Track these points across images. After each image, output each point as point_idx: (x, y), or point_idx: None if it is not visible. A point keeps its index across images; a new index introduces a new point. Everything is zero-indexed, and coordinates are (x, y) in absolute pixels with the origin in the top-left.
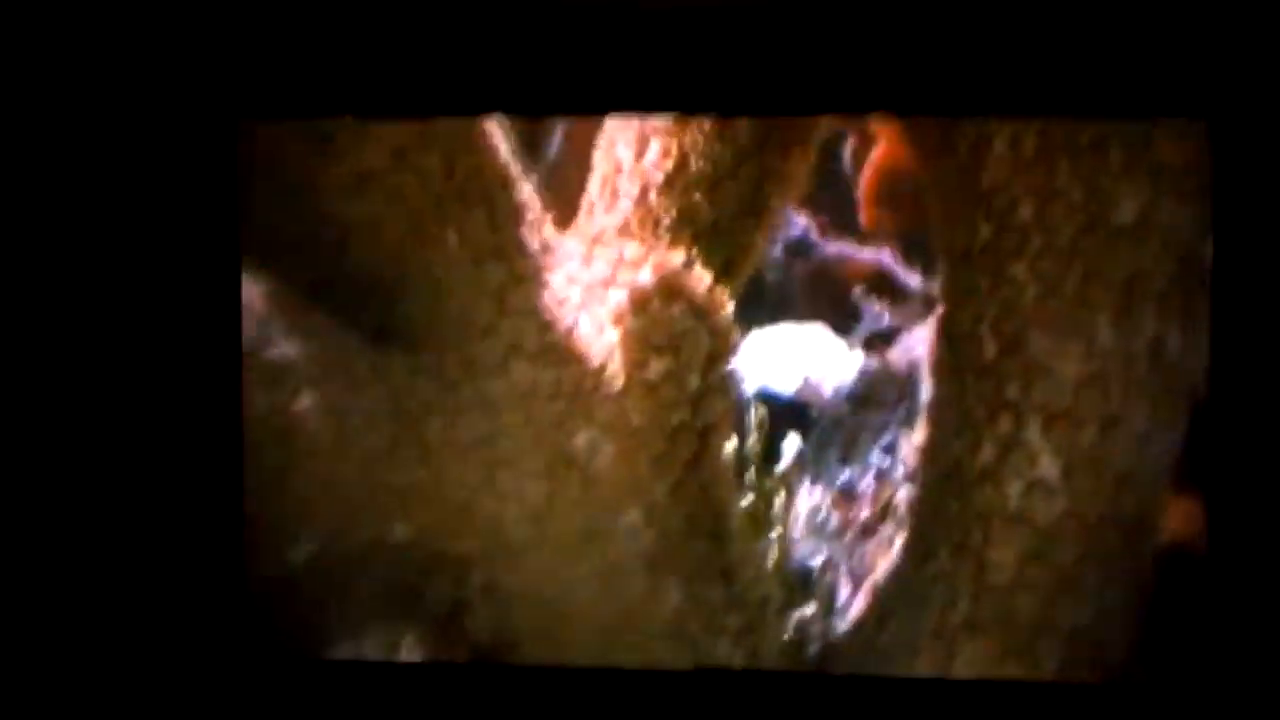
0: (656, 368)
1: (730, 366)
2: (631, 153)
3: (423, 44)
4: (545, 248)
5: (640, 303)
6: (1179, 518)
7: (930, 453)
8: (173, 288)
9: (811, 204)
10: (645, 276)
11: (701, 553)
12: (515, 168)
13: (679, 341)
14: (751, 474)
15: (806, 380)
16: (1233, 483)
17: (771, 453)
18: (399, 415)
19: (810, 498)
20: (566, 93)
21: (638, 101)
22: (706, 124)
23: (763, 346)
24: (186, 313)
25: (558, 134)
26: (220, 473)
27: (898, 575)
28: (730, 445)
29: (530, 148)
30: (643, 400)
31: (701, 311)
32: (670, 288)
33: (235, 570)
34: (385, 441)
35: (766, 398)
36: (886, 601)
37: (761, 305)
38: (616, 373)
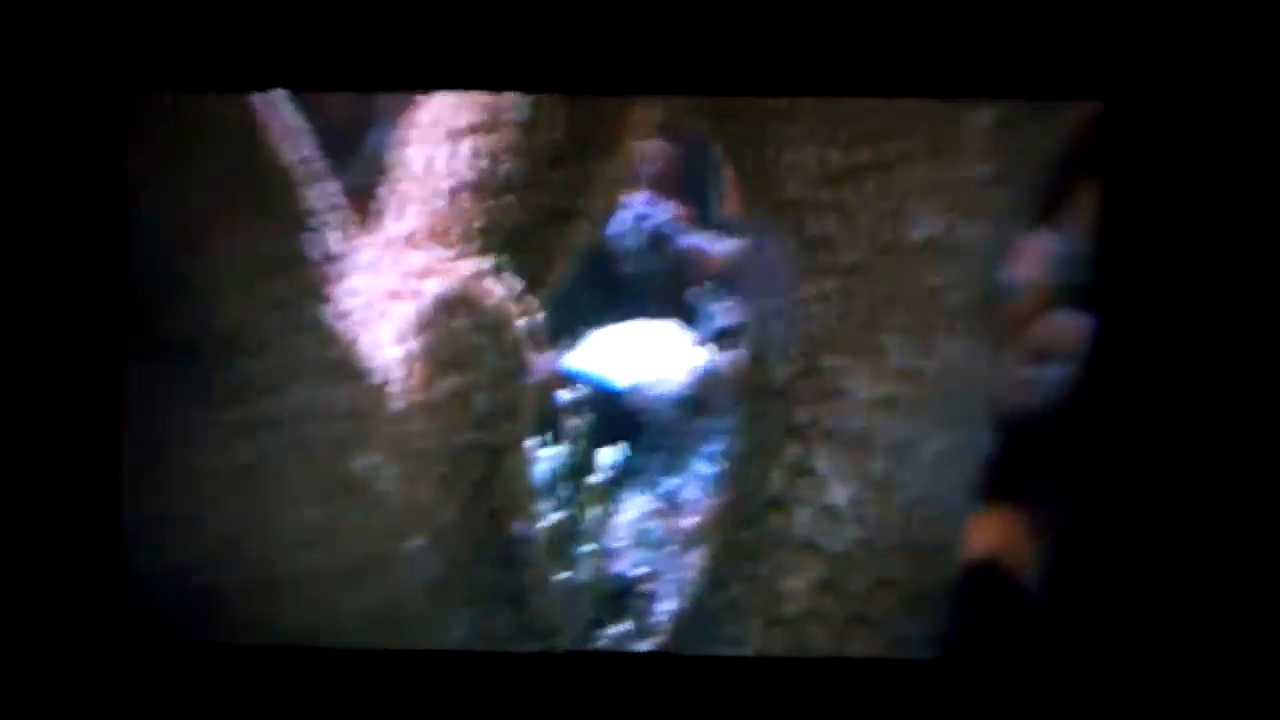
0: (444, 385)
1: (527, 380)
2: (433, 154)
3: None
4: (334, 256)
5: (429, 316)
6: (983, 540)
7: (725, 477)
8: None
9: (682, 194)
10: (436, 288)
11: (490, 580)
12: (303, 169)
13: (468, 357)
14: (566, 487)
15: (638, 384)
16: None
17: (590, 463)
18: (158, 439)
19: (635, 508)
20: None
21: (444, 79)
22: (513, 125)
23: (604, 346)
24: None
25: (354, 133)
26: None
27: (695, 603)
28: (527, 464)
29: (326, 148)
30: (430, 420)
31: (494, 326)
32: (461, 300)
33: None
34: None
35: (594, 404)
36: (679, 633)
37: (619, 299)
38: (402, 391)
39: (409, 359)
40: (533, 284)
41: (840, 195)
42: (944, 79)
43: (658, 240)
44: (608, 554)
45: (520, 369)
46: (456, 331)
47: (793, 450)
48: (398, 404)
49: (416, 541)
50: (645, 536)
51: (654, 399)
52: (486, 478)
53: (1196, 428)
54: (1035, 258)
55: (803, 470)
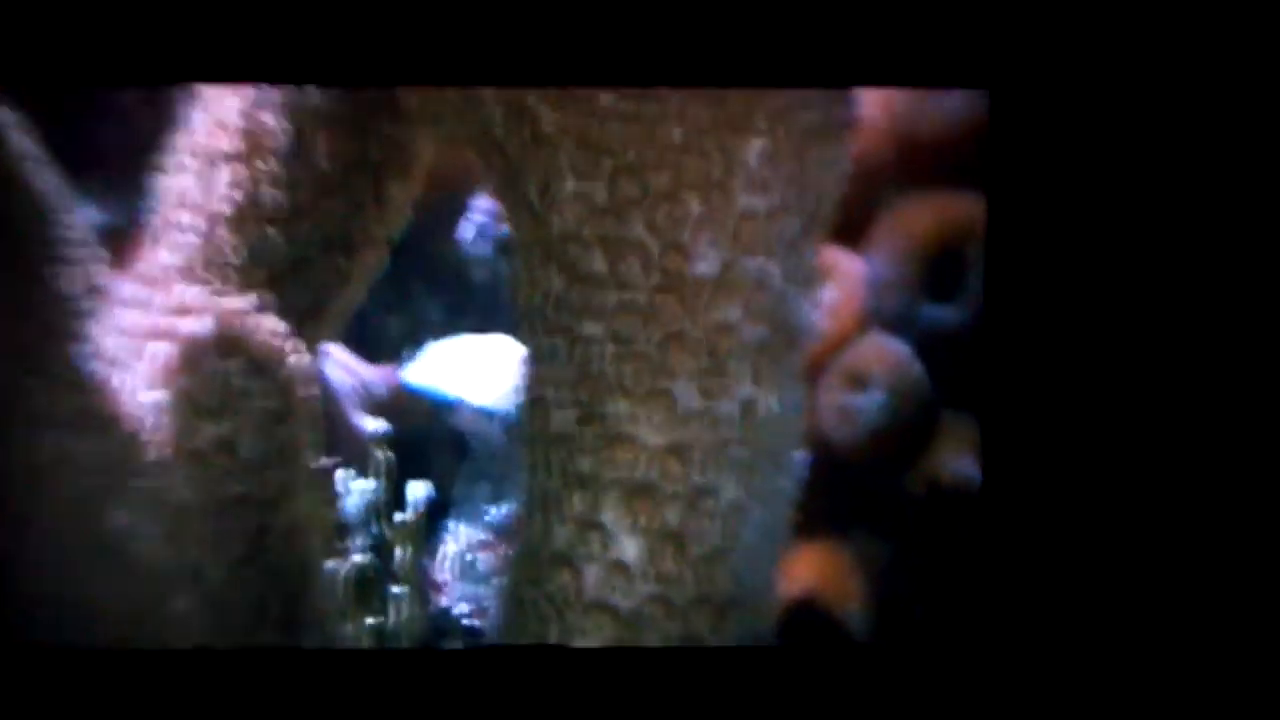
0: (208, 433)
1: (299, 424)
2: (197, 180)
3: None
4: (89, 293)
5: (191, 358)
6: (801, 578)
7: (512, 530)
8: None
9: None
10: (196, 326)
11: (269, 642)
12: (45, 200)
13: (235, 402)
14: (374, 525)
15: (467, 404)
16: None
17: (400, 498)
18: None
19: (459, 540)
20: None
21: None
22: (279, 153)
23: (441, 361)
24: None
25: (110, 158)
26: None
27: None
28: (315, 509)
29: (76, 175)
30: (192, 471)
31: (263, 366)
32: (224, 340)
33: None
34: None
35: (419, 425)
36: None
37: (465, 310)
38: (159, 440)
39: (166, 405)
40: (309, 318)
41: (608, 230)
42: (827, 66)
43: (505, 247)
44: (427, 592)
45: (291, 411)
46: (225, 373)
47: (578, 502)
48: (154, 455)
49: (181, 605)
50: (469, 571)
51: (482, 420)
52: (261, 531)
53: (1040, 451)
54: (846, 282)
55: (589, 524)
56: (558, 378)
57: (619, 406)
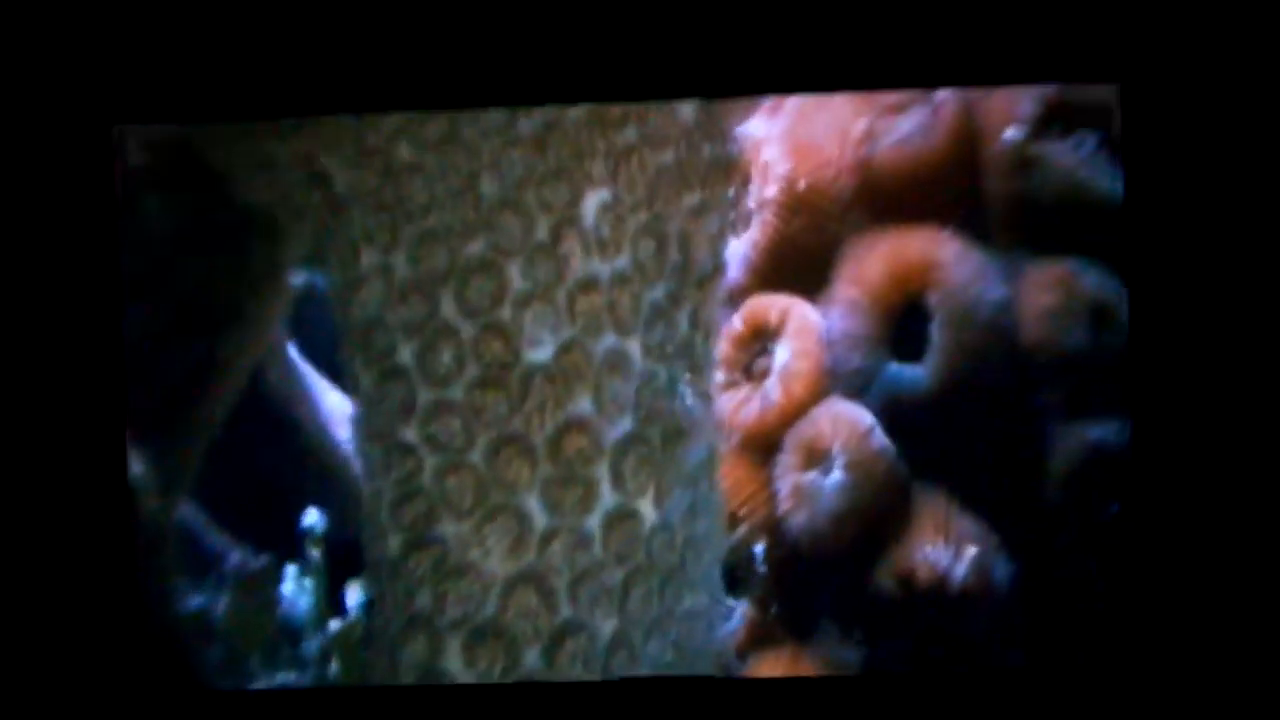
0: None
1: None
2: None
3: None
4: None
5: None
6: None
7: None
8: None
9: None
10: None
11: None
12: None
13: None
14: (311, 634)
15: None
16: None
17: (337, 601)
18: None
19: None
20: None
21: None
22: None
23: None
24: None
25: None
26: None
27: None
28: None
29: None
30: None
31: None
32: None
33: None
34: None
35: None
36: None
37: None
38: None
39: None
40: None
41: (412, 313)
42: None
43: None
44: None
45: None
46: None
47: (420, 648)
48: None
49: None
50: None
51: None
52: None
53: None
54: (802, 339)
55: (430, 670)
56: (380, 496)
57: (451, 529)
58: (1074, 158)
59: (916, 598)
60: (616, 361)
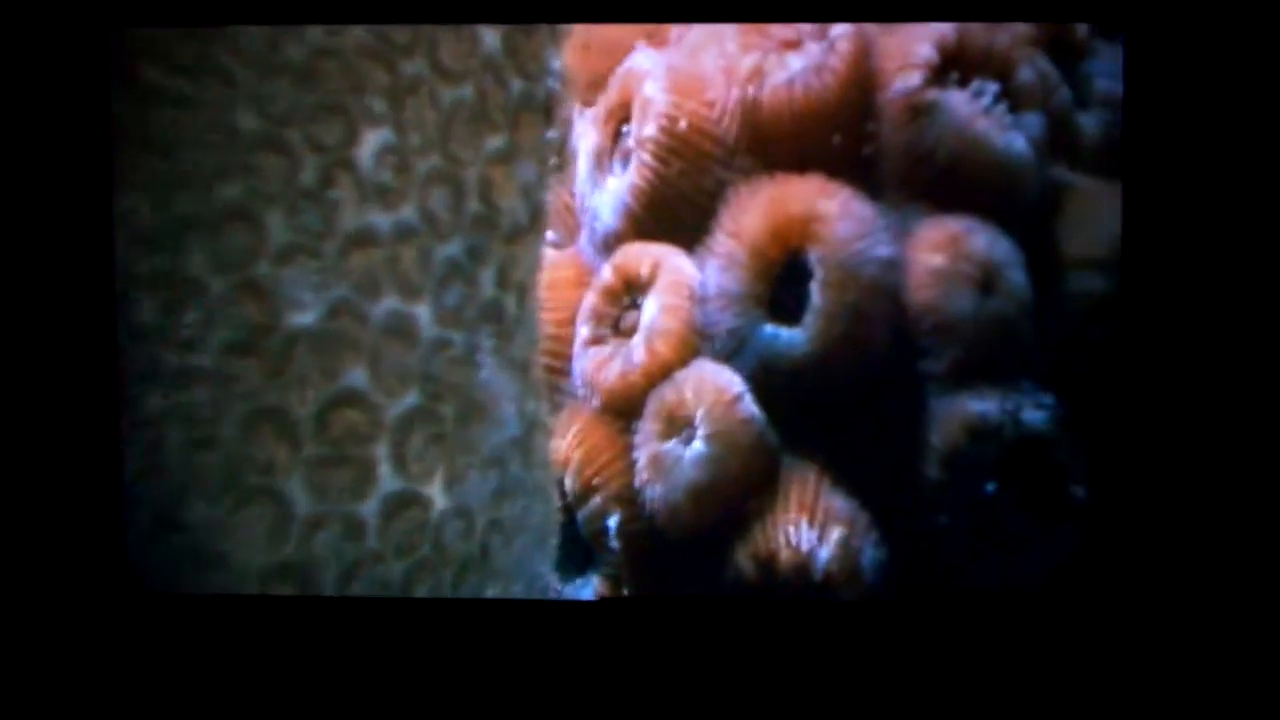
0: None
1: None
2: None
3: None
4: None
5: None
6: None
7: None
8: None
9: None
10: None
11: None
12: None
13: None
14: None
15: None
16: None
17: None
18: None
19: None
20: None
21: None
22: None
23: None
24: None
25: None
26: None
27: None
28: None
29: None
30: None
31: None
32: None
33: None
34: None
35: None
36: None
37: None
38: None
39: None
40: None
41: (158, 265)
42: None
43: None
44: None
45: None
46: None
47: None
48: None
49: None
50: None
51: None
52: None
53: None
54: (671, 295)
55: None
56: (133, 473)
57: (201, 515)
58: (972, 108)
59: (776, 582)
60: (398, 326)
